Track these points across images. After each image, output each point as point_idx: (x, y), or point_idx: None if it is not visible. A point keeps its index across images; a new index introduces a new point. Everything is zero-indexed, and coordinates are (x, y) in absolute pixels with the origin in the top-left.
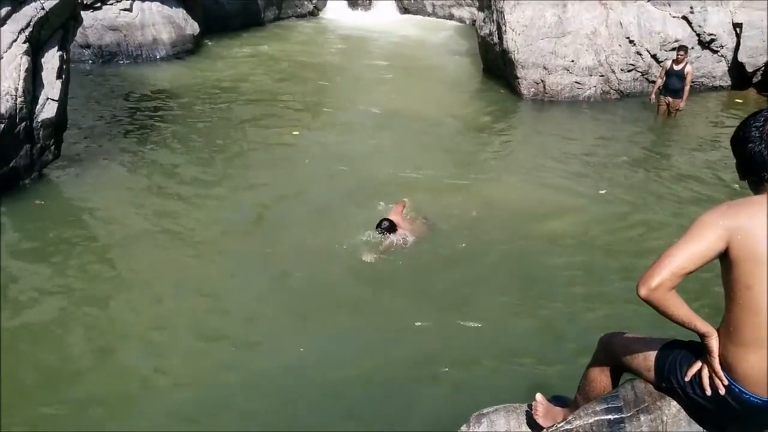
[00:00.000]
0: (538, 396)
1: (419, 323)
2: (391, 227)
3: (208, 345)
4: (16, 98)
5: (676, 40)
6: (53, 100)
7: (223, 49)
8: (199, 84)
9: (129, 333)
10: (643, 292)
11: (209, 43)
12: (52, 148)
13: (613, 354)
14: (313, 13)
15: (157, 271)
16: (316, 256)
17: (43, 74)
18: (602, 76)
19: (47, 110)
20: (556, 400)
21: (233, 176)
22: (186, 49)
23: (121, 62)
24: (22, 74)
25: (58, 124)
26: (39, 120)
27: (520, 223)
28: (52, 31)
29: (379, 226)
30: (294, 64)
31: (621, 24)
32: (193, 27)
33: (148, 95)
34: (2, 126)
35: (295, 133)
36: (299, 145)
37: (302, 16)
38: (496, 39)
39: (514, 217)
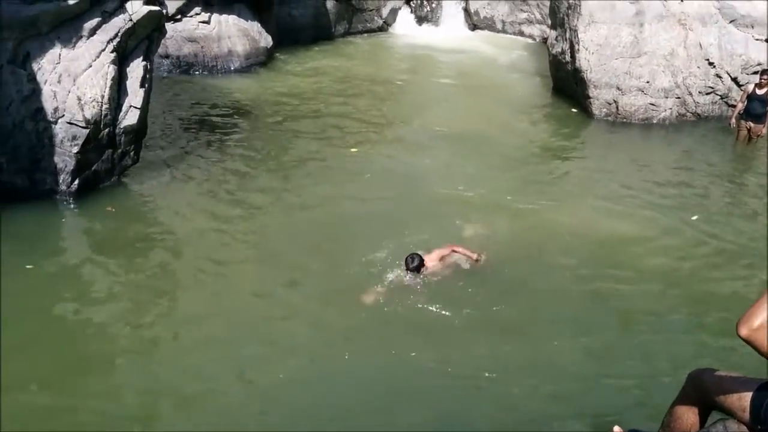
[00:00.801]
0: (616, 429)
1: (478, 348)
2: (419, 267)
3: (264, 349)
4: (102, 105)
5: (759, 64)
6: (136, 107)
7: (293, 62)
8: (269, 96)
9: (188, 328)
10: (743, 332)
11: (280, 56)
12: (132, 153)
13: (703, 391)
14: (383, 28)
15: (216, 273)
16: (359, 277)
17: (128, 83)
18: (678, 98)
19: (129, 117)
20: None
21: (294, 188)
22: (259, 62)
23: (197, 73)
24: (108, 82)
25: (139, 131)
26: (121, 126)
27: (588, 250)
28: (138, 42)
29: (407, 263)
30: (360, 80)
31: (701, 45)
32: (266, 40)
33: (221, 105)
34: (87, 131)
35: (353, 150)
36: (359, 161)
37: (372, 30)
38: (568, 57)
39: (582, 243)
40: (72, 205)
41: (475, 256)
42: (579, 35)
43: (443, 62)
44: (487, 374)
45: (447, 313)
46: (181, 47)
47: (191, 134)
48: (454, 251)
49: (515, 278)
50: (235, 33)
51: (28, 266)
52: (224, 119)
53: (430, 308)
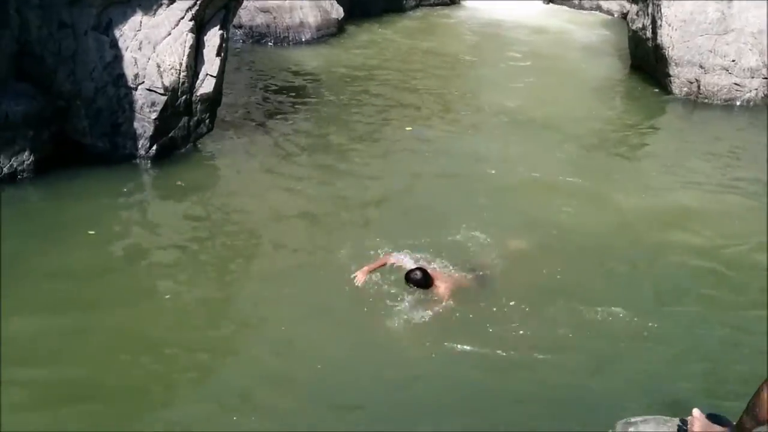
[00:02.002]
0: (696, 411)
1: (559, 323)
2: (424, 282)
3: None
4: (180, 73)
5: None
6: (212, 76)
7: (362, 34)
8: (337, 68)
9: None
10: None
11: (350, 28)
12: (207, 121)
13: None
14: (455, 1)
15: (277, 242)
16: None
17: (205, 51)
18: (766, 78)
19: (206, 85)
20: (713, 418)
21: (349, 164)
22: (329, 33)
23: (269, 43)
24: (187, 50)
25: (214, 99)
26: (198, 94)
27: (662, 239)
28: (216, 11)
29: (409, 276)
30: (427, 54)
31: None
32: (338, 11)
33: (291, 77)
34: (166, 98)
35: (408, 128)
36: (416, 140)
37: (443, 3)
38: (649, 33)
39: (654, 231)
40: (150, 170)
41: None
42: (662, 10)
43: (515, 38)
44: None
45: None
46: (254, 17)
47: (261, 104)
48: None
49: (588, 264)
50: (307, 4)
51: (90, 232)
52: (293, 91)
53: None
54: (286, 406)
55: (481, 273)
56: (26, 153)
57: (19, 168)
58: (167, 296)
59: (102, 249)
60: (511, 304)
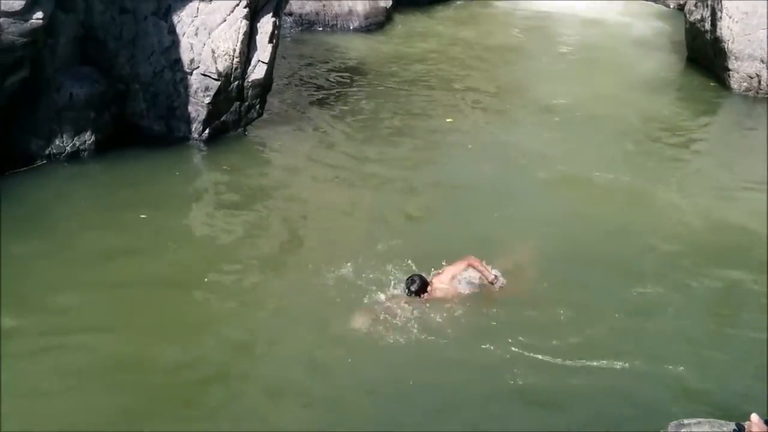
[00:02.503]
0: (754, 416)
1: (607, 327)
2: (421, 289)
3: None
4: (233, 59)
5: None
6: (263, 62)
7: (409, 23)
8: (382, 57)
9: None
10: None
11: (398, 17)
12: (257, 107)
13: None
14: None
15: (318, 231)
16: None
17: (257, 38)
18: None
19: (258, 71)
20: None
21: (386, 156)
22: (377, 22)
23: (318, 30)
24: (240, 37)
25: (265, 85)
26: (250, 80)
27: (719, 243)
28: None
29: (408, 284)
30: (473, 46)
31: None
32: (386, 0)
33: (338, 65)
34: (219, 83)
35: (449, 120)
36: (457, 133)
37: None
38: (707, 26)
39: (711, 234)
40: (201, 152)
41: (491, 276)
42: (723, 2)
43: (564, 30)
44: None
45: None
46: (303, 5)
47: (308, 91)
48: (470, 266)
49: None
50: None
51: (142, 215)
52: (339, 79)
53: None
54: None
55: (517, 274)
56: (88, 133)
57: (81, 147)
58: (206, 279)
59: (150, 228)
60: (558, 310)
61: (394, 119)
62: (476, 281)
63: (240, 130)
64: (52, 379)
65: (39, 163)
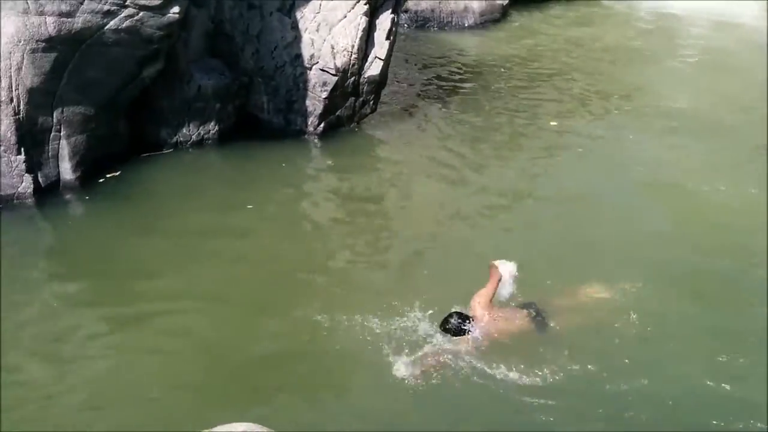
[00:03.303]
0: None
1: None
2: (460, 328)
3: None
4: (351, 55)
5: None
6: (380, 59)
7: (525, 21)
8: (495, 56)
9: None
10: None
11: (514, 14)
12: (371, 102)
13: None
14: None
15: (418, 232)
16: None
17: (376, 34)
18: None
19: (374, 68)
20: None
21: (486, 158)
22: (492, 19)
23: (432, 28)
24: (360, 33)
25: (380, 82)
26: (366, 76)
27: None
28: None
29: (444, 324)
30: (590, 47)
31: None
32: None
33: (450, 63)
34: (336, 79)
35: (553, 123)
36: (561, 136)
37: None
38: None
39: None
40: (316, 146)
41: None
42: None
43: (692, 32)
44: None
45: None
46: (419, 2)
47: (420, 89)
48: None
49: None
50: None
51: (249, 206)
52: (451, 76)
53: None
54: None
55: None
56: (212, 123)
57: (206, 136)
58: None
59: (258, 214)
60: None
61: (503, 120)
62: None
63: (353, 125)
64: (165, 339)
65: (166, 150)
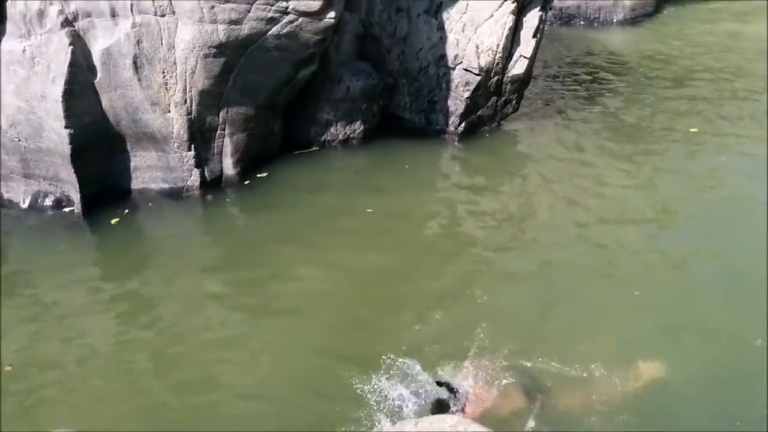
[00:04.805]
0: None
1: None
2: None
3: None
4: (495, 54)
5: None
6: (525, 57)
7: (677, 17)
8: (643, 54)
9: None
10: None
11: (669, 9)
12: (513, 102)
13: None
14: None
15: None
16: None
17: (522, 33)
18: None
19: (518, 66)
20: None
21: (639, 161)
22: (644, 14)
23: (578, 24)
24: (506, 32)
25: (524, 81)
26: (509, 75)
27: None
28: None
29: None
30: (746, 46)
31: None
32: None
33: (595, 61)
34: (479, 78)
35: (693, 129)
36: (703, 144)
37: None
38: None
39: None
40: (456, 146)
41: None
42: None
43: None
44: None
45: None
46: None
47: (564, 88)
48: None
49: None
50: None
51: (368, 210)
52: (596, 76)
53: None
54: None
55: None
56: (358, 122)
57: (351, 135)
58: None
59: (404, 208)
60: None
61: (646, 123)
62: None
63: (494, 124)
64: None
65: (314, 148)
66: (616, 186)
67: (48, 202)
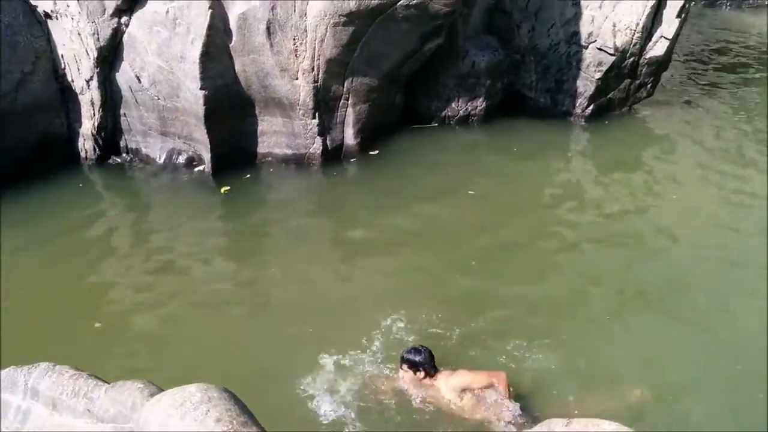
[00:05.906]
0: None
1: None
2: (423, 366)
3: None
4: (634, 33)
5: None
6: (666, 38)
7: None
8: None
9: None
10: None
11: None
12: (648, 85)
13: None
14: None
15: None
16: None
17: (665, 12)
18: None
19: (657, 48)
20: None
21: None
22: None
23: (725, 6)
24: (647, 10)
25: (662, 63)
26: (647, 57)
27: None
28: None
29: (409, 354)
30: None
31: None
32: None
33: (737, 46)
34: (614, 59)
35: None
36: None
37: None
38: None
39: None
40: (583, 129)
41: (507, 410)
42: None
43: None
44: None
45: None
46: None
47: (703, 73)
48: (493, 386)
49: None
50: None
51: (470, 192)
52: (741, 62)
53: None
54: None
55: None
56: (481, 99)
57: (472, 112)
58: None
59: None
60: None
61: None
62: (489, 402)
63: (625, 108)
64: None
65: (433, 123)
66: (762, 197)
67: (181, 159)
